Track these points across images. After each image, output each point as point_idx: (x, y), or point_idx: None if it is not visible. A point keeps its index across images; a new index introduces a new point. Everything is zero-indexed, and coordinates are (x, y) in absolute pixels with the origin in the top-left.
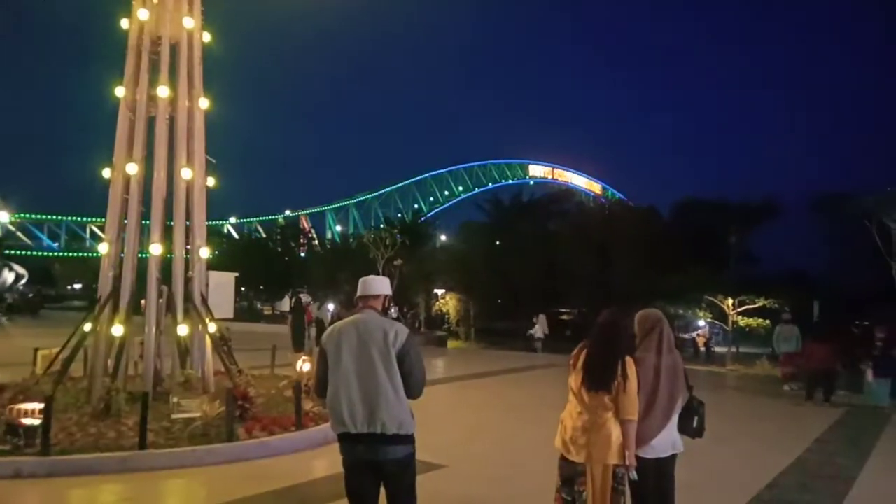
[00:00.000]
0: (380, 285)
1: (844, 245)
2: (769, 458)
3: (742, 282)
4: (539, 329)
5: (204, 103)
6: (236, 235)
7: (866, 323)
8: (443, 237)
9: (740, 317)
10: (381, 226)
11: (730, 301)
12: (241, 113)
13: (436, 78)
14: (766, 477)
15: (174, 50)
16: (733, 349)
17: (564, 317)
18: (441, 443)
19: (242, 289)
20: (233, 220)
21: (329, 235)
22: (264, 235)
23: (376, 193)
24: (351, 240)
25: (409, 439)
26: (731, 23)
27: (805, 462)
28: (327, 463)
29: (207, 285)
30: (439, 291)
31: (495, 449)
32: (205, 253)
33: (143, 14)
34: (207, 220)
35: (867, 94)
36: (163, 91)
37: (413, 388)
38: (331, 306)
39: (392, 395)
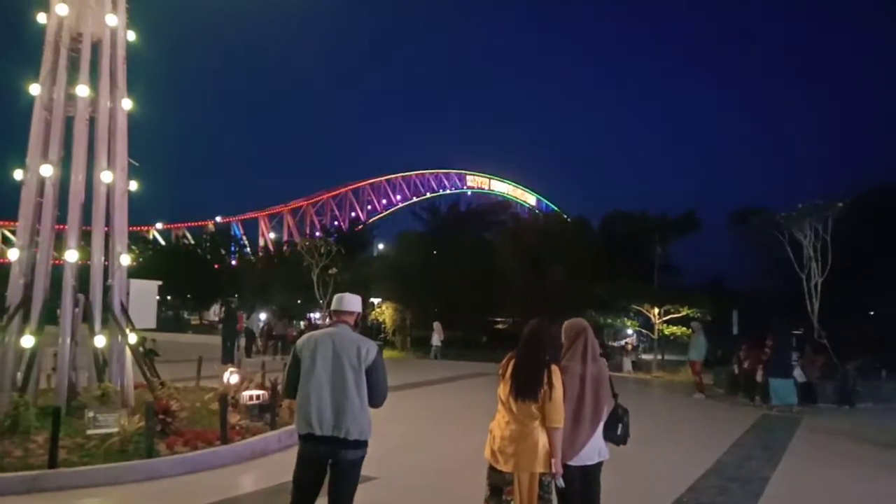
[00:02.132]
0: (354, 303)
1: (761, 257)
2: (690, 463)
3: (666, 291)
4: (436, 336)
5: (127, 104)
6: (163, 242)
7: (799, 331)
8: (380, 246)
9: (665, 325)
10: (317, 234)
11: (655, 310)
12: (171, 115)
13: (374, 85)
14: (687, 481)
15: (96, 48)
16: (659, 357)
17: (499, 325)
18: (372, 454)
19: (168, 298)
20: (159, 225)
21: (262, 243)
22: (193, 242)
23: (312, 201)
24: (284, 248)
25: (365, 444)
26: (668, 37)
27: (723, 465)
28: (254, 478)
29: (128, 294)
30: (376, 300)
31: (427, 459)
32: (126, 260)
33: (61, 9)
34: (131, 225)
35: (785, 114)
36: (82, 90)
37: (377, 399)
38: (262, 315)
39: (357, 406)
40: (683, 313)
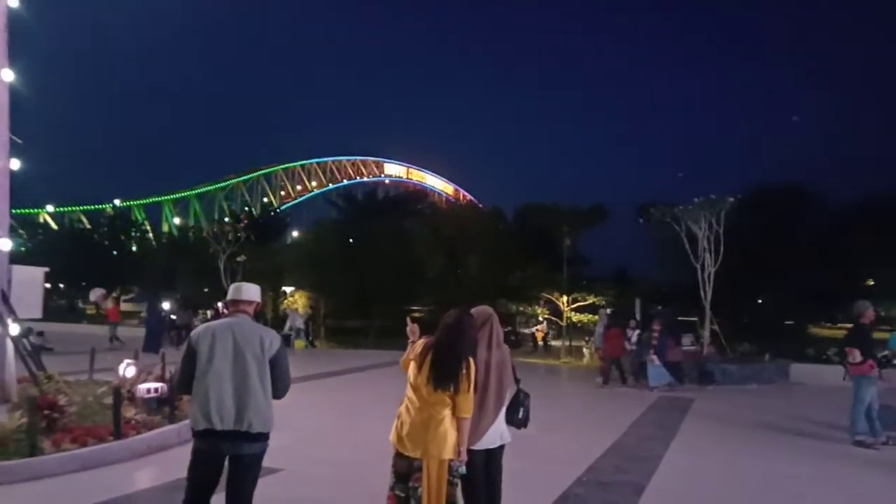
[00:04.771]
0: (253, 292)
1: (662, 248)
2: (590, 444)
3: (575, 281)
4: (299, 320)
5: (8, 75)
6: (55, 226)
7: (694, 318)
8: (294, 233)
9: (573, 313)
10: (226, 219)
11: (564, 298)
12: (67, 92)
13: (288, 67)
14: (587, 461)
15: None
16: (567, 343)
17: (416, 314)
18: (278, 446)
19: (61, 286)
20: (50, 208)
21: (166, 228)
22: (89, 226)
23: (221, 185)
24: (190, 233)
25: (267, 437)
26: (584, 34)
27: (621, 445)
28: (150, 474)
29: (10, 281)
30: (288, 289)
31: (336, 450)
32: (6, 245)
33: None
34: (18, 207)
35: (695, 112)
36: None
37: (281, 390)
38: (165, 305)
39: (261, 397)
40: (590, 301)
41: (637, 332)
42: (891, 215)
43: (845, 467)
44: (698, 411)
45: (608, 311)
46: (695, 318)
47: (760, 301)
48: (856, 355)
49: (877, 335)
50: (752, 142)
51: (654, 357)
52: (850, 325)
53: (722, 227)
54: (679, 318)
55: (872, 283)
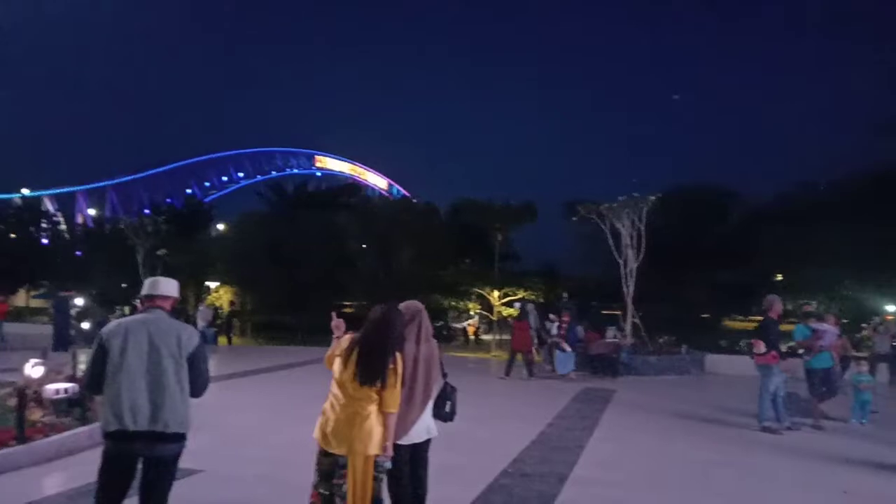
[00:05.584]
0: (170, 287)
1: (589, 244)
2: (517, 436)
3: (506, 276)
4: (200, 320)
5: None
6: None
7: (618, 312)
8: (220, 226)
9: (504, 307)
10: (146, 211)
11: (495, 293)
12: None
13: (215, 54)
14: (513, 453)
15: None
16: (496, 337)
17: (347, 310)
18: (199, 446)
19: None
20: None
21: (80, 220)
22: None
23: (141, 175)
24: (106, 226)
25: (185, 436)
26: (520, 35)
27: (546, 436)
28: (58, 479)
29: None
30: (212, 284)
31: (260, 449)
32: None
33: None
34: None
35: (620, 112)
36: None
37: (200, 389)
38: (79, 301)
39: (178, 396)
40: (520, 296)
41: (556, 324)
42: (798, 212)
43: (752, 452)
44: (619, 401)
45: (517, 304)
46: (618, 312)
47: (679, 295)
48: (760, 346)
49: (784, 328)
50: (684, 139)
51: (565, 344)
52: (760, 319)
53: (643, 224)
54: (603, 312)
55: (781, 278)
